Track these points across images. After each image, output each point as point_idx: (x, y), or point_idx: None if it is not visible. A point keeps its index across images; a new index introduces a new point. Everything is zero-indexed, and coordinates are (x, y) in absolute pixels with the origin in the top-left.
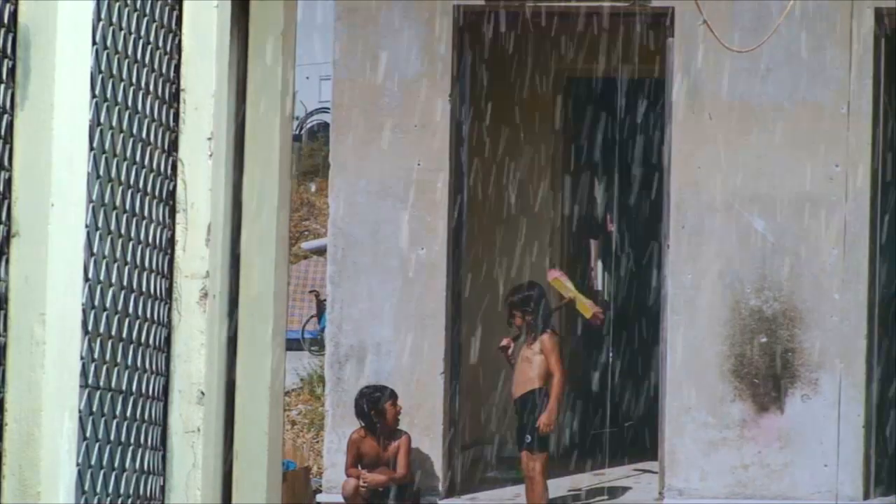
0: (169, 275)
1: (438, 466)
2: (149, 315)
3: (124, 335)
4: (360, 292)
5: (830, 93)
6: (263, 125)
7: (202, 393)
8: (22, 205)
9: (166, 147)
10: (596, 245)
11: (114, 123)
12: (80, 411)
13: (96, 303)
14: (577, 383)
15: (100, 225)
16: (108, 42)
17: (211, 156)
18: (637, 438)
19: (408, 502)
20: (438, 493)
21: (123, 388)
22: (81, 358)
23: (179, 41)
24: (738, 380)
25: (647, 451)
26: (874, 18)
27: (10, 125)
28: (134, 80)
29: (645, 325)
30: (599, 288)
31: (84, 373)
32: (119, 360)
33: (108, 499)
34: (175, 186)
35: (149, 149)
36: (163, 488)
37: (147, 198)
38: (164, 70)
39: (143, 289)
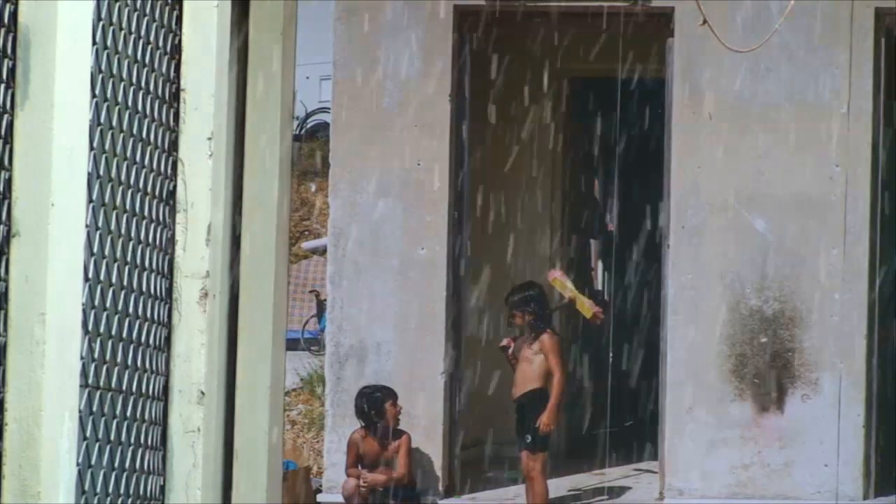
0: (169, 275)
1: (438, 466)
2: (149, 315)
3: (124, 335)
4: (360, 292)
5: (830, 93)
6: (263, 125)
7: (202, 393)
8: (22, 205)
9: (166, 147)
10: (596, 245)
11: (114, 123)
12: (80, 411)
13: (96, 303)
14: (577, 383)
15: (100, 225)
16: (108, 42)
17: (211, 156)
18: (637, 438)
19: (408, 502)
20: (438, 493)
21: (123, 388)
22: (81, 358)
23: (179, 41)
24: (739, 380)
25: (647, 451)
26: (874, 18)
27: (10, 125)
28: (134, 80)
29: (645, 325)
30: (599, 288)
31: (84, 373)
32: (119, 360)
33: (108, 499)
34: (175, 186)
35: (149, 149)
36: (163, 488)
37: (147, 198)
38: (164, 70)
39: (143, 289)
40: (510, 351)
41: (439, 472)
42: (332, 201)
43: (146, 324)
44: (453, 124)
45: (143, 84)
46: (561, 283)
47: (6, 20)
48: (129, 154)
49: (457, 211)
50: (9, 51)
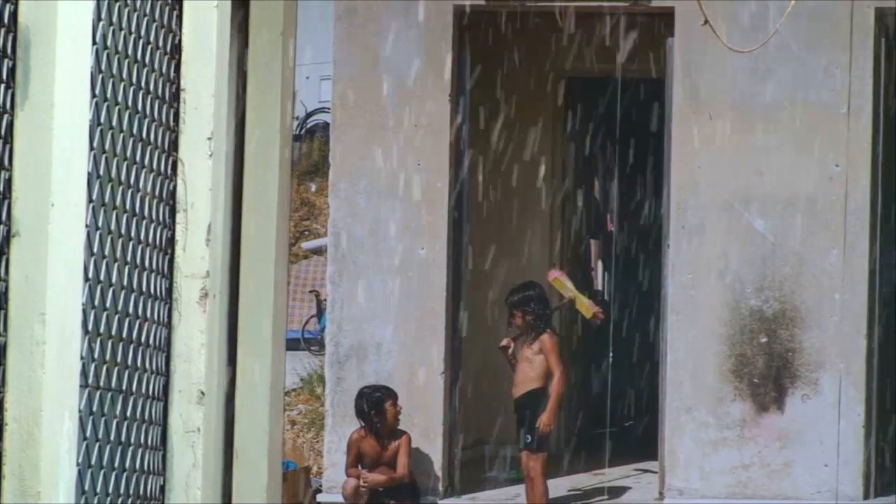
0: (169, 275)
1: (438, 466)
2: (149, 315)
3: (124, 335)
4: (360, 292)
5: (830, 93)
6: (263, 125)
7: (202, 393)
8: (22, 205)
9: (166, 147)
10: (596, 245)
11: (114, 123)
12: (80, 411)
13: (96, 303)
14: (577, 383)
15: (100, 225)
16: (108, 42)
17: (211, 156)
18: (637, 438)
19: (408, 502)
20: (438, 493)
21: (123, 388)
22: (81, 358)
23: (179, 41)
24: (738, 380)
25: (647, 451)
26: (874, 18)
27: (10, 125)
28: (134, 80)
29: (645, 325)
30: (599, 288)
31: (84, 373)
32: (119, 360)
33: (108, 499)
34: (175, 186)
35: (149, 149)
36: (163, 488)
37: (147, 198)
38: (164, 70)
39: (143, 289)
40: (510, 351)
41: (439, 472)
42: (332, 201)
43: (146, 324)
44: (453, 124)
45: (143, 84)
46: (561, 283)
47: (6, 20)
48: (129, 154)
49: (457, 211)
50: (9, 51)
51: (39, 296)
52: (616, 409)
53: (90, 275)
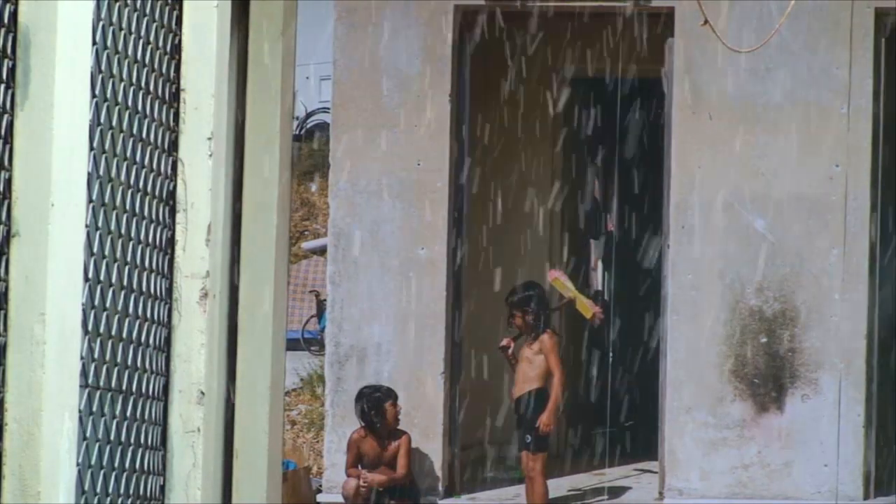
0: (169, 275)
1: (438, 466)
2: (149, 315)
3: (124, 335)
4: (360, 292)
5: (830, 93)
6: (263, 125)
7: (202, 393)
8: (22, 205)
9: (166, 147)
10: (596, 245)
11: (114, 123)
12: (80, 411)
13: (96, 303)
14: (577, 383)
15: (100, 225)
16: (108, 42)
17: (211, 156)
18: (637, 438)
19: (408, 502)
20: (438, 493)
21: (123, 388)
22: (81, 358)
23: (179, 41)
24: (738, 380)
25: (647, 451)
26: (874, 18)
27: (10, 125)
28: (134, 80)
29: (645, 325)
30: (599, 288)
31: (84, 373)
32: (119, 360)
33: (108, 499)
34: (175, 186)
35: (149, 149)
36: (163, 488)
37: (147, 198)
38: (164, 70)
39: (143, 289)
40: (510, 351)
41: (439, 472)
42: (332, 201)
43: (146, 324)
44: (453, 124)
45: (143, 84)
46: (561, 283)
47: (6, 20)
48: (129, 154)
49: (457, 211)
50: (9, 51)
51: (39, 296)
52: (616, 409)
53: (90, 275)
